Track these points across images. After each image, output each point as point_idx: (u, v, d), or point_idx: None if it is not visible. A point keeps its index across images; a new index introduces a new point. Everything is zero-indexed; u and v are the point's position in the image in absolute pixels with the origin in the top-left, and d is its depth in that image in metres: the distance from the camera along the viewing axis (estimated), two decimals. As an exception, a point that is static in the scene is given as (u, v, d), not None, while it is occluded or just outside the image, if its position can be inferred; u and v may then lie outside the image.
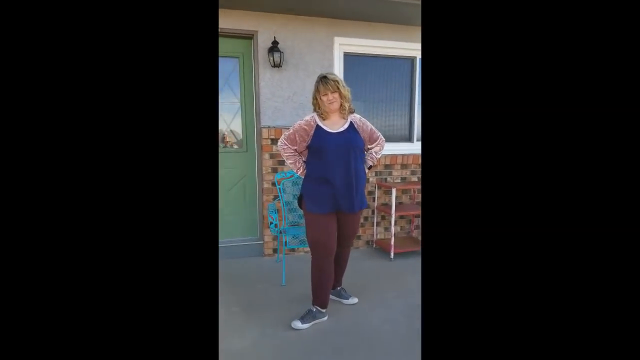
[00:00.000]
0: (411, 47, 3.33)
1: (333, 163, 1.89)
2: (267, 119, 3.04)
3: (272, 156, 3.07)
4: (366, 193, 3.16)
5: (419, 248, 3.18)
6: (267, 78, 3.00)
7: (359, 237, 3.42)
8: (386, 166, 3.40)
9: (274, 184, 3.05)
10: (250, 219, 3.25)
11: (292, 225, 2.92)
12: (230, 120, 3.14)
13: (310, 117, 1.97)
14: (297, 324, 1.99)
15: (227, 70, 3.06)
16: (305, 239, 2.12)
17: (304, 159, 2.05)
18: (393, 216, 3.03)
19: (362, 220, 3.35)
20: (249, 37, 2.99)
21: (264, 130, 3.02)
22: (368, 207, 3.32)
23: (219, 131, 3.11)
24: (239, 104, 3.12)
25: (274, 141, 3.04)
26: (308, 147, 1.96)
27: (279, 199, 2.96)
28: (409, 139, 3.56)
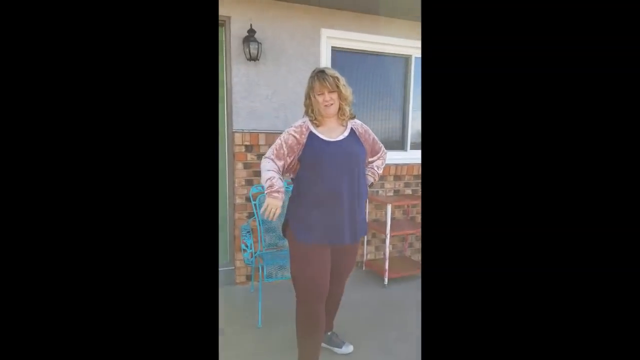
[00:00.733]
0: (407, 44, 2.96)
1: (332, 180, 1.46)
2: (240, 122, 2.56)
3: (246, 166, 2.59)
4: (356, 209, 2.74)
5: (416, 272, 2.78)
6: (241, 74, 2.53)
7: (346, 259, 2.99)
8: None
9: (248, 199, 2.57)
10: (219, 240, 2.74)
11: (271, 249, 2.45)
12: (196, 123, 2.63)
13: (301, 122, 1.54)
14: (279, 390, 1.53)
15: (193, 62, 2.56)
16: (289, 269, 1.66)
17: (292, 176, 1.60)
18: (388, 236, 2.62)
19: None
20: (220, 24, 2.51)
21: (236, 135, 2.54)
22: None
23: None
24: (207, 104, 2.64)
25: (249, 148, 2.57)
26: (299, 160, 1.52)
27: (255, 217, 2.49)
28: (402, 147, 3.17)
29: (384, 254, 2.69)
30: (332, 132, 1.53)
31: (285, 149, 1.50)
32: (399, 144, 3.17)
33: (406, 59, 3.07)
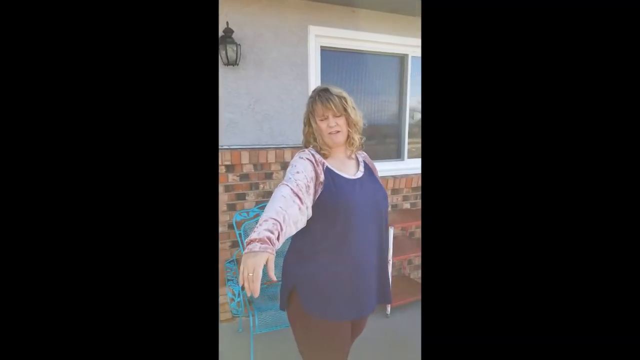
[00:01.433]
0: (403, 42, 2.65)
1: (360, 233, 1.11)
2: (219, 137, 2.18)
3: (228, 188, 2.22)
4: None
5: (419, 297, 2.54)
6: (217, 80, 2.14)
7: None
8: (373, 191, 2.71)
9: (231, 226, 2.22)
10: (199, 270, 2.39)
11: (261, 288, 2.12)
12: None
13: (308, 152, 1.17)
14: None
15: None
16: (285, 315, 1.31)
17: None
18: (390, 262, 2.35)
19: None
20: (190, 21, 2.10)
21: (215, 153, 2.17)
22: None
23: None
24: (177, 116, 2.26)
25: (230, 168, 2.20)
26: (316, 204, 1.11)
27: (240, 250, 2.15)
28: (398, 155, 2.89)
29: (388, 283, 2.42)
30: (346, 168, 1.19)
31: (308, 185, 1.06)
32: (395, 153, 2.89)
33: (402, 58, 2.77)
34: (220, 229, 2.24)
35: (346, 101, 1.17)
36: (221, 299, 2.32)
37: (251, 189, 2.27)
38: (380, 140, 2.83)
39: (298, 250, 1.17)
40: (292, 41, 2.33)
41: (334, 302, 1.11)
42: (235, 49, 2.08)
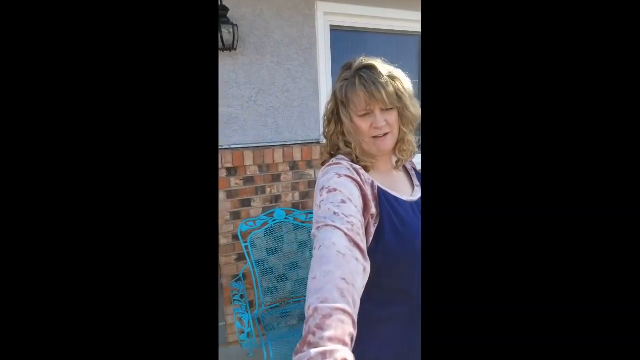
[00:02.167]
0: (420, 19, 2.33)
1: (413, 278, 0.79)
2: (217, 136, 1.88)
3: (230, 195, 1.93)
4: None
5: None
6: (212, 69, 1.84)
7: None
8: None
9: (236, 237, 1.94)
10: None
11: (274, 304, 1.85)
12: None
13: (346, 165, 0.78)
14: None
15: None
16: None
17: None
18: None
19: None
20: None
21: (213, 154, 1.88)
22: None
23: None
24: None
25: (232, 171, 1.90)
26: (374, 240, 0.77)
27: (248, 264, 1.87)
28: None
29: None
30: (399, 185, 0.85)
31: (361, 220, 0.68)
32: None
33: (420, 37, 2.45)
34: (224, 240, 1.96)
35: (402, 86, 0.78)
36: (228, 319, 2.06)
37: (257, 194, 1.98)
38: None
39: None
40: (297, 20, 2.00)
41: None
42: (231, 30, 1.76)
